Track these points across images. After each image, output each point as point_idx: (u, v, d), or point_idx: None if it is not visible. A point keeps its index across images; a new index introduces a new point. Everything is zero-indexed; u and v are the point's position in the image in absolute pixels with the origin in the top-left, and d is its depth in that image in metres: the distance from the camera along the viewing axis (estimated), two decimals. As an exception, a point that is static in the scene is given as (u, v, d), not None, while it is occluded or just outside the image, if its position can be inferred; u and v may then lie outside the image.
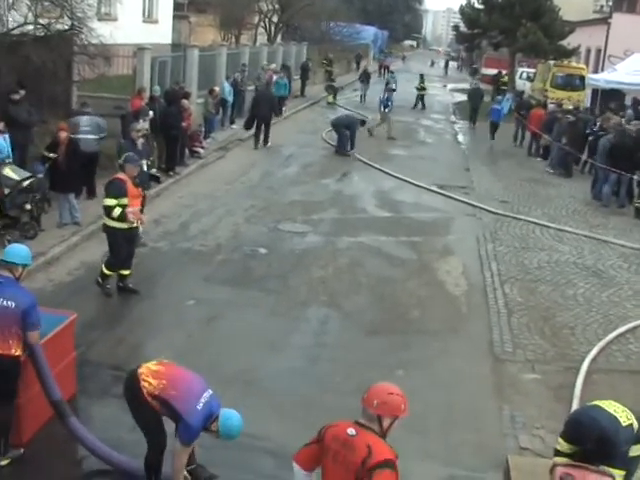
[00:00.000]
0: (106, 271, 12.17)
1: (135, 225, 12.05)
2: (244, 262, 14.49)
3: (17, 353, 7.54)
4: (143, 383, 6.97)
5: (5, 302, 7.51)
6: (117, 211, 11.66)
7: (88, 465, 7.85)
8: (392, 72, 49.73)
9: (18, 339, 7.55)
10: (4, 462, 7.67)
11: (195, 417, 6.77)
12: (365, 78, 44.65)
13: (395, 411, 5.53)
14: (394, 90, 37.22)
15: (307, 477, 5.85)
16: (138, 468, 7.46)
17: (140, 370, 7.09)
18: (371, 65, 65.37)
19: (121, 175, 11.96)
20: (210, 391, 7.02)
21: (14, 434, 7.83)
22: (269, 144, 26.89)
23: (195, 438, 6.92)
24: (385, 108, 31.12)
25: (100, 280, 12.22)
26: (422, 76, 43.45)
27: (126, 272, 12.39)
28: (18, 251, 7.97)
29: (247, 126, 27.65)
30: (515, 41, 43.89)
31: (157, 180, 18.34)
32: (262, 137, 26.60)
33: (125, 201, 11.67)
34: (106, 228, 12.11)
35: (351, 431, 5.57)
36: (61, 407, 7.84)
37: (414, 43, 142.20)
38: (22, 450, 7.88)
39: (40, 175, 14.51)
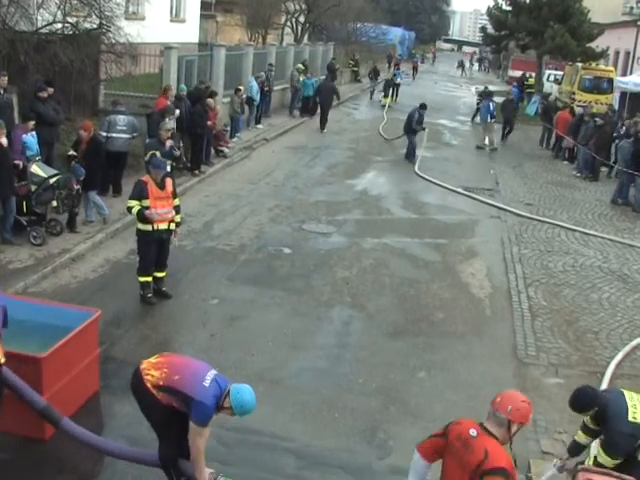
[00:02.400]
0: (140, 278, 12.09)
1: (162, 228, 11.84)
2: (268, 262, 14.50)
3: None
4: (146, 377, 6.98)
5: None
6: (135, 210, 11.69)
7: (110, 461, 7.89)
8: (398, 69, 50.03)
9: None
10: None
11: (205, 394, 6.73)
12: (374, 75, 46.87)
13: (524, 419, 5.66)
14: (398, 84, 43.80)
15: (426, 467, 6.00)
16: (128, 452, 7.52)
17: (142, 366, 7.12)
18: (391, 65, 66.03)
19: (144, 177, 12.03)
20: (215, 371, 7.02)
21: (37, 430, 7.88)
22: (325, 130, 30.69)
23: (209, 417, 6.80)
24: (492, 118, 30.60)
25: (141, 291, 12.14)
26: (486, 88, 38.75)
27: (160, 274, 12.30)
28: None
29: (311, 112, 32.66)
30: (543, 43, 43.68)
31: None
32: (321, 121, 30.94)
33: (147, 203, 11.61)
34: (136, 231, 12.10)
35: (473, 432, 5.62)
36: (49, 413, 7.67)
37: (454, 47, 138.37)
38: None
39: (81, 177, 14.58)
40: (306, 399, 9.54)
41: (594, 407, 7.30)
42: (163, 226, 11.86)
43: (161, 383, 6.91)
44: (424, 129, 26.69)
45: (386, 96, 41.20)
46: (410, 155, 25.87)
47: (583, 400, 7.43)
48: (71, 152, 15.02)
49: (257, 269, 14.06)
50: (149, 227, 11.74)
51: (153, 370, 7.01)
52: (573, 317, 12.97)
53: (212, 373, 6.94)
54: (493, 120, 30.55)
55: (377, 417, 9.31)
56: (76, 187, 14.43)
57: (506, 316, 12.87)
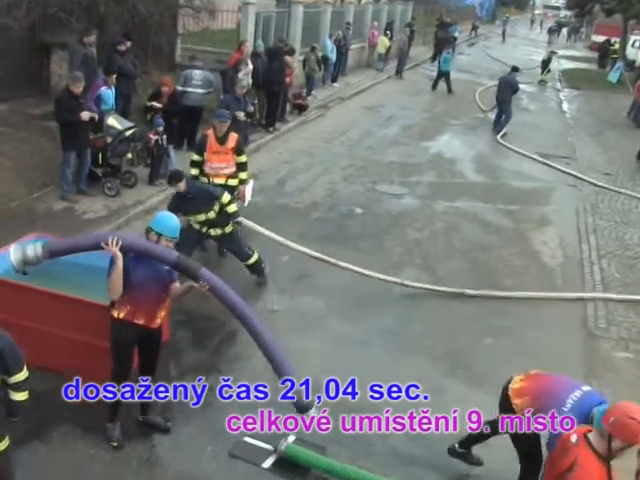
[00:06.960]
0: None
1: (218, 182, 11.66)
2: (339, 221, 14.49)
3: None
4: (514, 402, 6.61)
5: None
6: (193, 171, 11.85)
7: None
8: (451, 24, 48.54)
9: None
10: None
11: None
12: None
13: (631, 438, 5.21)
14: (455, 39, 44.79)
15: None
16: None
17: (510, 386, 6.76)
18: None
19: (208, 130, 12.07)
20: (583, 389, 6.36)
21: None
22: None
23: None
24: None
25: None
26: None
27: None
28: (164, 221, 7.28)
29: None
30: (629, 7, 42.31)
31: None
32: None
33: (204, 156, 11.74)
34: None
35: (574, 438, 5.40)
36: (184, 265, 7.22)
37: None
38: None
39: (160, 128, 14.76)
40: (373, 357, 9.56)
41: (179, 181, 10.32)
42: (219, 180, 11.80)
43: (524, 412, 6.48)
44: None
45: (548, 71, 38.60)
46: (502, 125, 24.12)
47: (177, 176, 10.36)
48: (152, 103, 15.13)
49: (328, 228, 14.06)
50: (205, 180, 11.82)
51: (516, 399, 6.59)
52: (647, 291, 12.72)
53: (576, 395, 6.25)
54: None
55: (439, 379, 9.27)
56: (154, 138, 14.60)
57: (577, 287, 12.64)
